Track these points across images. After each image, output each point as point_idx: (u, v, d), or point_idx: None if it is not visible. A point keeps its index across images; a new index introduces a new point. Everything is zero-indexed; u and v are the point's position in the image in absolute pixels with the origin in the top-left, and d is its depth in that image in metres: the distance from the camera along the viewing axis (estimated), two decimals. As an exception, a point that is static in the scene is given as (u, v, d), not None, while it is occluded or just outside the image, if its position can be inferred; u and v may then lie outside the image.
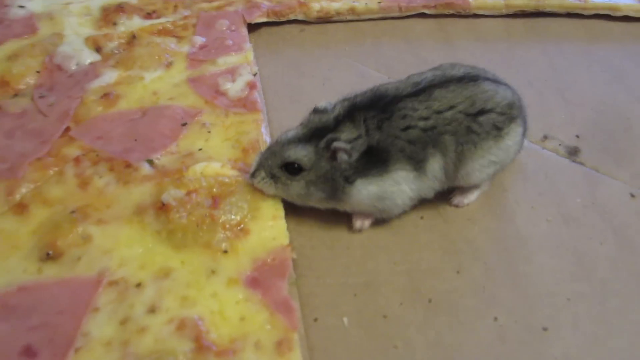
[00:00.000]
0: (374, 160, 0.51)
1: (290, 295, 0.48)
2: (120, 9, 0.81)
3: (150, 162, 0.59)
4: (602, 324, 0.46)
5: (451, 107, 0.51)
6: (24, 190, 0.57)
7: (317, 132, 0.51)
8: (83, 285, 0.49)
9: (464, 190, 0.56)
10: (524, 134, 0.55)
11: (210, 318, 0.46)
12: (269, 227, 0.52)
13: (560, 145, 0.61)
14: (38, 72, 0.72)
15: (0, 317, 0.47)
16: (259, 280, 0.48)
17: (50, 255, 0.51)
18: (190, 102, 0.67)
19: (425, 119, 0.51)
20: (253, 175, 0.53)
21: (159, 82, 0.70)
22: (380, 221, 0.54)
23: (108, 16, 0.81)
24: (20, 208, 0.55)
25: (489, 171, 0.54)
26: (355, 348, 0.46)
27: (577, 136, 0.62)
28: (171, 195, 0.54)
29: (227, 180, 0.55)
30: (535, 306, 0.48)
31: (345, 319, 0.48)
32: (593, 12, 0.78)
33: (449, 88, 0.52)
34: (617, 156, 0.59)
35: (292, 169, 0.52)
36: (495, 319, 0.48)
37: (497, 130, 0.52)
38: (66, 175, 0.58)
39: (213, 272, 0.49)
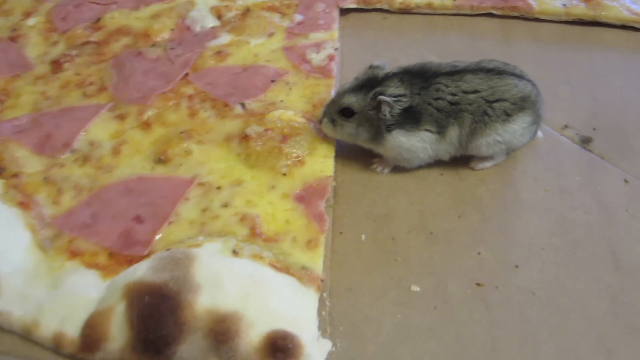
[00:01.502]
0: (410, 118, 0.63)
1: (325, 212, 0.61)
2: None
3: (243, 105, 0.75)
4: (564, 269, 0.55)
5: (475, 91, 0.62)
6: (150, 113, 0.75)
7: (368, 83, 0.64)
8: (181, 182, 0.66)
9: (482, 158, 0.66)
10: (534, 123, 0.64)
11: (264, 217, 0.61)
12: (320, 162, 0.66)
13: (576, 134, 0.69)
14: (172, 30, 0.90)
15: (123, 194, 0.66)
16: (305, 197, 0.62)
17: (161, 160, 0.69)
18: (281, 65, 0.82)
19: (453, 94, 0.62)
20: (320, 121, 0.67)
21: (261, 47, 0.85)
22: (402, 169, 0.66)
23: None
24: (146, 125, 0.74)
25: (495, 148, 0.64)
26: (366, 256, 0.59)
27: (594, 129, 0.69)
28: (253, 129, 0.69)
29: (296, 124, 0.70)
30: (513, 249, 0.58)
31: (363, 236, 0.61)
32: (646, 26, 0.83)
33: (477, 75, 0.63)
34: (623, 149, 0.66)
35: (346, 112, 0.64)
36: (479, 253, 0.58)
37: (506, 116, 0.62)
38: (181, 107, 0.75)
39: (273, 187, 0.64)
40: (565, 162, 0.66)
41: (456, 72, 0.63)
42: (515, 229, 0.60)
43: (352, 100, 0.64)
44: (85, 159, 0.69)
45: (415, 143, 0.63)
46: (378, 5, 0.94)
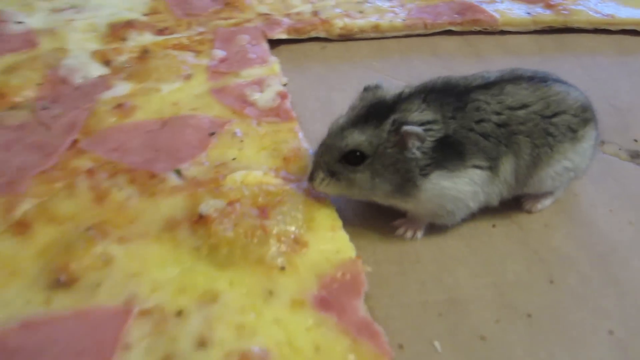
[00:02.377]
0: (450, 152, 0.42)
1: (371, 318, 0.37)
2: (129, 25, 0.73)
3: (178, 172, 0.49)
4: None
5: (524, 106, 0.44)
6: (26, 206, 0.46)
7: (375, 110, 0.43)
8: (107, 316, 0.38)
9: (537, 195, 0.48)
10: (597, 139, 0.48)
11: (277, 350, 0.35)
12: (329, 239, 0.42)
13: (620, 149, 0.54)
14: (39, 84, 0.62)
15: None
16: (330, 300, 0.38)
17: (61, 282, 0.40)
18: (216, 112, 0.57)
19: (498, 113, 0.43)
20: (311, 178, 0.44)
21: (179, 93, 0.61)
22: (437, 228, 0.45)
23: (117, 32, 0.72)
24: (22, 227, 0.44)
25: (562, 179, 0.46)
26: (457, 380, 0.35)
27: (635, 140, 0.55)
28: (211, 205, 0.43)
29: (272, 188, 0.46)
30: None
31: (436, 344, 0.37)
32: (620, 27, 0.74)
33: (520, 85, 0.45)
34: None
35: (353, 158, 0.42)
36: (611, 332, 0.38)
37: (573, 133, 0.45)
38: (78, 189, 0.47)
39: (271, 293, 0.38)
40: (630, 184, 0.50)
41: (492, 85, 0.45)
42: (631, 284, 0.41)
43: (360, 140, 0.42)
44: None
45: (463, 187, 0.43)
46: (313, 34, 0.75)
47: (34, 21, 0.74)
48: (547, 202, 0.48)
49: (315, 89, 0.66)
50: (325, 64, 0.72)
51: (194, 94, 0.61)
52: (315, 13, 0.77)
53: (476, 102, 0.43)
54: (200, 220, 0.43)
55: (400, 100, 0.43)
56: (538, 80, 0.46)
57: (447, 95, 0.44)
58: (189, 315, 0.37)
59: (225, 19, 0.77)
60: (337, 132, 0.44)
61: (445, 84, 0.45)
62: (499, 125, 0.43)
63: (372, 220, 0.46)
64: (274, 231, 0.41)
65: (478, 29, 0.75)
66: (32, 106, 0.58)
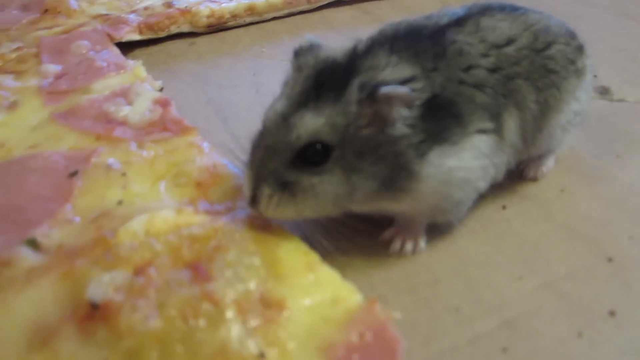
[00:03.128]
0: (445, 117, 0.30)
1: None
2: None
3: (32, 243, 0.30)
4: None
5: (511, 41, 0.34)
6: None
7: (327, 78, 0.29)
8: None
9: (537, 157, 0.38)
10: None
11: None
12: (313, 285, 0.27)
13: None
14: None
15: None
16: None
17: None
18: (70, 144, 0.39)
19: (485, 55, 0.32)
20: (254, 200, 0.29)
21: (3, 130, 0.41)
22: (443, 230, 0.33)
23: None
24: None
25: (571, 127, 0.37)
26: None
27: (594, 75, 0.48)
28: (105, 284, 0.26)
29: (198, 230, 0.29)
30: None
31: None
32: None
33: (495, 17, 0.34)
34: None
35: (313, 154, 0.29)
36: None
37: (573, 64, 0.36)
38: None
39: None
40: (622, 123, 0.43)
41: (464, 20, 0.34)
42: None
43: (317, 124, 0.28)
44: None
45: (471, 163, 0.31)
46: (175, 29, 0.59)
47: None
48: (550, 162, 0.38)
49: (199, 92, 0.51)
50: (200, 62, 0.56)
51: (29, 127, 0.42)
52: (168, 4, 0.62)
53: (456, 44, 0.32)
54: (93, 314, 0.25)
55: (359, 57, 0.30)
56: (510, 8, 0.36)
57: (418, 39, 0.31)
58: None
59: (49, 27, 0.58)
60: (278, 122, 0.29)
61: (410, 28, 0.33)
62: (491, 70, 0.32)
63: (349, 238, 0.32)
64: (227, 297, 0.25)
65: (368, -7, 0.66)
66: None
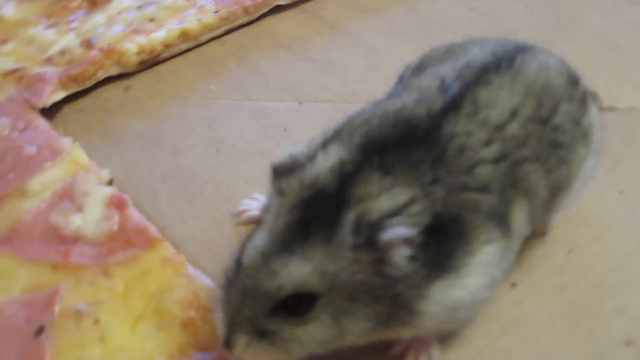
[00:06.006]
0: (448, 240, 0.29)
1: None
2: None
3: None
4: None
5: (514, 114, 0.31)
6: None
7: (315, 211, 0.28)
8: None
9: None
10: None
11: None
12: None
13: None
14: None
15: None
16: None
17: None
18: (25, 282, 0.36)
19: (489, 143, 0.31)
20: (227, 343, 0.28)
21: None
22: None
23: None
24: None
25: (581, 189, 0.36)
26: None
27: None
28: None
29: None
30: None
31: None
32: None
33: (493, 84, 0.32)
34: None
35: (298, 305, 0.27)
36: None
37: (579, 127, 0.34)
38: None
39: None
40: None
41: (459, 99, 0.31)
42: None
43: (303, 273, 0.27)
44: None
45: (477, 284, 0.30)
46: (102, 74, 0.53)
47: None
48: (558, 216, 0.38)
49: (151, 161, 0.47)
50: (142, 114, 0.52)
51: None
52: (87, 44, 0.56)
53: (456, 140, 0.30)
54: None
55: (349, 180, 0.28)
56: (506, 63, 0.33)
57: (412, 145, 0.29)
58: None
59: None
60: (258, 263, 0.28)
61: (400, 125, 0.30)
62: (496, 161, 0.30)
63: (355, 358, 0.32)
64: None
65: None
66: None
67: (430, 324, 0.30)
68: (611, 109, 0.47)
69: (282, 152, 0.31)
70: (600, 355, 0.32)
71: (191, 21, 0.58)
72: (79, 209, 0.41)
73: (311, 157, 0.31)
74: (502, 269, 0.32)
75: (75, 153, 0.45)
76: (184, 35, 0.58)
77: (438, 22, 0.58)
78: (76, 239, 0.39)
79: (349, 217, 0.27)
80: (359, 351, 0.31)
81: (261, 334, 0.28)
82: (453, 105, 0.31)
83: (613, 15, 0.57)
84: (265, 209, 0.31)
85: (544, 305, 0.35)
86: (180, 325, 0.33)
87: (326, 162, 0.30)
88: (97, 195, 0.41)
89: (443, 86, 0.32)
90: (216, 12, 0.59)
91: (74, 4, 0.62)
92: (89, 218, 0.40)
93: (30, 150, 0.47)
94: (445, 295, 0.29)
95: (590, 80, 0.37)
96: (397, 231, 0.27)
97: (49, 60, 0.57)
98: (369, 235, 0.27)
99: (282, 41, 0.58)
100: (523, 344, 0.33)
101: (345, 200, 0.28)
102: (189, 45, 0.58)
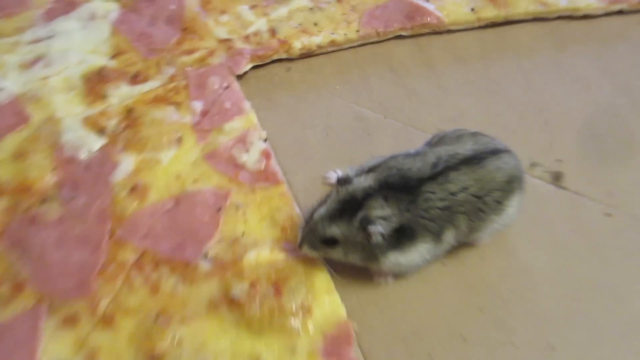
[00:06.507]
0: (402, 236, 0.72)
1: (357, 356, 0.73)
2: (102, 78, 0.96)
3: (206, 255, 0.80)
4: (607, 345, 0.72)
5: (463, 189, 0.70)
6: (103, 303, 0.77)
7: (348, 206, 0.71)
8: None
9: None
10: (523, 194, 0.77)
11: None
12: (327, 303, 0.74)
13: (545, 172, 0.83)
14: (54, 169, 0.86)
15: None
16: (333, 350, 0.72)
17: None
18: (214, 183, 0.83)
19: (442, 199, 0.71)
20: (300, 246, 0.73)
21: (177, 163, 0.85)
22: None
23: (94, 88, 0.94)
24: (108, 321, 0.75)
25: (493, 232, 0.76)
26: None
27: (559, 160, 0.87)
28: (239, 290, 0.76)
29: (279, 265, 0.79)
30: (544, 328, 0.74)
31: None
32: (556, 15, 1.02)
33: (460, 170, 0.71)
34: (594, 176, 0.83)
35: (330, 242, 0.71)
36: (512, 343, 0.76)
37: (498, 204, 0.72)
38: (134, 283, 0.77)
39: (294, 350, 0.70)
40: (549, 210, 0.80)
41: (439, 174, 0.71)
42: (537, 305, 0.78)
43: (335, 232, 0.70)
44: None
45: (414, 260, 0.72)
46: (275, 57, 1.01)
47: (11, 84, 0.96)
48: (485, 238, 0.82)
49: (290, 128, 0.89)
50: (292, 92, 0.94)
51: (190, 162, 0.86)
52: (272, 32, 1.00)
53: (426, 194, 0.70)
54: (234, 303, 0.75)
55: (367, 197, 0.71)
56: (475, 161, 0.71)
57: (403, 190, 0.71)
58: (245, 375, 0.71)
59: (189, 52, 0.98)
60: (319, 221, 0.71)
61: (401, 178, 0.70)
62: (443, 209, 0.70)
63: (355, 275, 0.79)
64: (289, 307, 0.75)
65: (427, 31, 1.03)
66: (59, 197, 0.84)
67: (386, 268, 0.73)
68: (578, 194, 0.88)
69: (345, 170, 0.78)
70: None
71: (339, 34, 0.98)
72: (247, 150, 0.87)
73: (357, 176, 0.77)
74: (431, 255, 0.72)
75: (251, 115, 0.91)
76: (333, 43, 0.99)
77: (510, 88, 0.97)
78: (242, 167, 0.86)
79: (360, 214, 0.68)
80: (353, 269, 0.81)
81: (313, 247, 0.73)
82: (433, 177, 0.70)
83: None
84: (328, 196, 0.80)
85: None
86: (280, 228, 0.80)
87: (361, 184, 0.72)
88: (257, 146, 0.87)
89: (435, 163, 0.72)
90: (358, 31, 0.99)
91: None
92: (251, 158, 0.87)
93: (227, 104, 0.94)
94: (395, 258, 0.71)
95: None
96: (379, 228, 0.68)
97: (247, 38, 1.00)
98: (366, 225, 0.69)
99: (392, 64, 0.97)
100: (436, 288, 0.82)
101: (361, 206, 0.71)
102: (334, 49, 1.02)
